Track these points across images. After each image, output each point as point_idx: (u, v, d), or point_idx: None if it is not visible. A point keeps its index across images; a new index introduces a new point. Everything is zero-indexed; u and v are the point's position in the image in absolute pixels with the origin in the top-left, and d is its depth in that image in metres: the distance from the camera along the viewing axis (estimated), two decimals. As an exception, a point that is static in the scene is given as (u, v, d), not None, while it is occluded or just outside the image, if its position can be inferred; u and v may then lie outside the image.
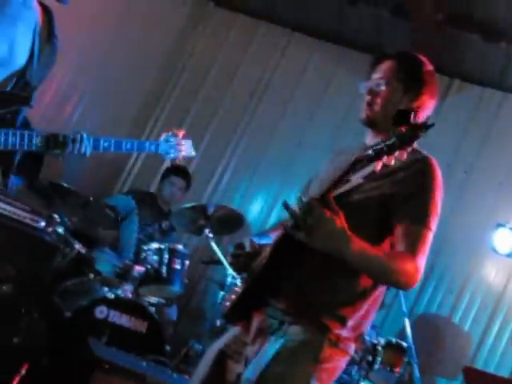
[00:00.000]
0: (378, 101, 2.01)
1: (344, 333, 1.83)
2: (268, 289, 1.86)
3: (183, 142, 2.61)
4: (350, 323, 1.84)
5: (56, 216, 3.59)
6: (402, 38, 5.11)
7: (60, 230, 3.68)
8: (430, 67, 2.05)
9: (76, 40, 4.19)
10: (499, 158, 5.17)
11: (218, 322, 4.28)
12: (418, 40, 4.94)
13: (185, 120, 5.85)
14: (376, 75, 2.04)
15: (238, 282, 4.01)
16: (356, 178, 1.69)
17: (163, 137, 2.56)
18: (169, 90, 6.01)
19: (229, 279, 3.97)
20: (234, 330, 1.97)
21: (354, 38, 5.57)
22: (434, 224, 1.82)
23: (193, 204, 4.19)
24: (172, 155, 2.57)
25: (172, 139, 2.57)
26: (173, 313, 4.56)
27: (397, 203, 1.82)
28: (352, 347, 1.87)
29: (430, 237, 1.81)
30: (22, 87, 2.16)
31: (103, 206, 3.87)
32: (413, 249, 1.77)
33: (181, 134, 2.61)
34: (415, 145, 1.93)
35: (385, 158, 1.57)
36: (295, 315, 1.83)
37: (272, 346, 1.81)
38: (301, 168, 5.19)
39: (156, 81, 6.04)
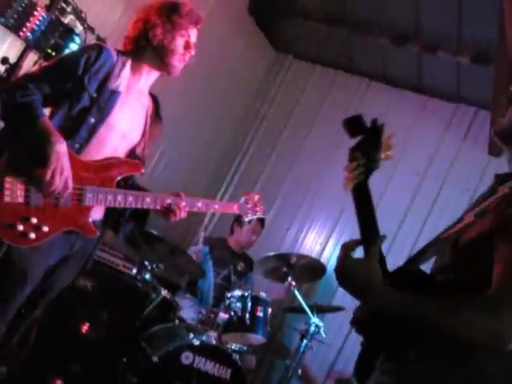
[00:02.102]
0: (510, 110, 1.70)
1: None
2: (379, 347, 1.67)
3: (258, 204, 2.90)
4: None
5: (147, 263, 3.74)
6: (482, 85, 5.06)
7: (147, 276, 3.83)
8: None
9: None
10: None
11: (300, 371, 4.27)
12: (500, 87, 4.88)
13: (265, 168, 5.99)
14: None
15: (322, 331, 4.00)
16: (468, 216, 1.53)
17: (242, 199, 2.86)
18: (248, 141, 6.21)
19: (312, 328, 3.96)
20: None
21: (434, 86, 5.57)
22: None
23: (276, 252, 4.27)
24: (249, 216, 2.88)
25: (250, 202, 2.87)
26: (252, 360, 4.57)
27: (498, 239, 1.45)
28: None
29: None
30: (133, 158, 2.50)
31: (189, 254, 3.98)
32: (499, 294, 1.37)
33: (256, 197, 2.90)
34: None
35: None
36: (384, 374, 1.61)
37: None
38: (384, 216, 5.16)
39: (236, 131, 6.25)
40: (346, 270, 1.50)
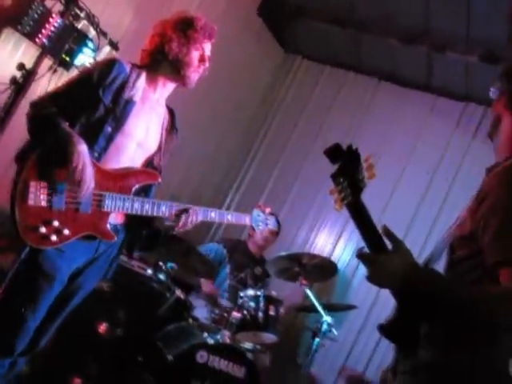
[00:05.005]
0: (494, 111, 1.80)
1: None
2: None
3: (269, 217, 3.00)
4: None
5: (161, 263, 3.79)
6: (491, 83, 5.08)
7: (162, 276, 3.87)
8: None
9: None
10: None
11: (312, 369, 4.30)
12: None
13: (275, 168, 6.04)
14: None
15: (333, 329, 4.04)
16: (462, 212, 1.59)
17: (254, 212, 2.92)
18: (259, 141, 6.27)
19: (324, 326, 3.99)
20: None
21: (443, 85, 5.60)
22: None
23: (288, 253, 4.32)
24: (260, 227, 2.96)
25: (261, 214, 2.96)
26: (265, 359, 4.61)
27: (481, 233, 1.55)
28: None
29: None
30: (151, 168, 2.59)
31: (203, 255, 4.02)
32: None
33: (267, 210, 2.99)
34: None
35: None
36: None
37: None
38: (394, 215, 5.21)
39: (246, 133, 6.29)
40: (379, 267, 1.54)
